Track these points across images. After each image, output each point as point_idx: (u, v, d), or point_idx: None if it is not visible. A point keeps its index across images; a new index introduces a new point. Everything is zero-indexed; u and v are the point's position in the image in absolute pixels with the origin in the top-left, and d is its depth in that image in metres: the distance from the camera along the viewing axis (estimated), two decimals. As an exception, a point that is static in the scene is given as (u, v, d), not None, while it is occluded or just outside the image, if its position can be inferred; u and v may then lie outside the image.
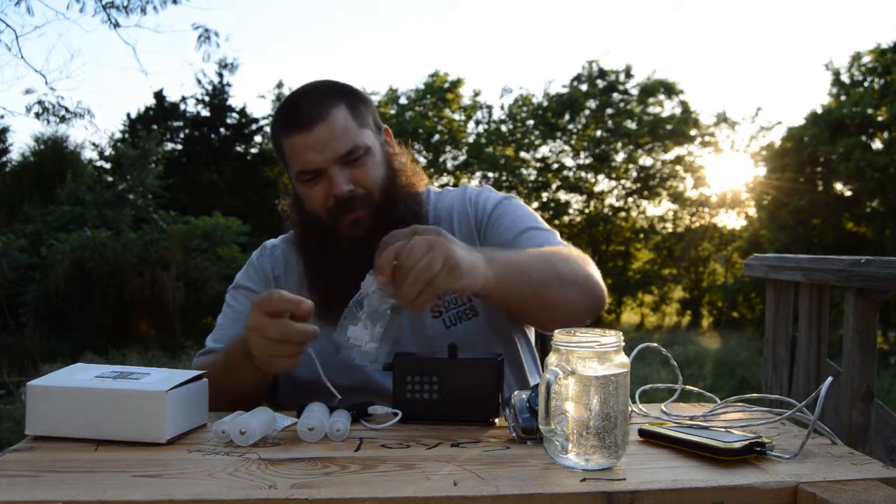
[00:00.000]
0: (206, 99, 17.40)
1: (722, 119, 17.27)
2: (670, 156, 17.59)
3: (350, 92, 1.42)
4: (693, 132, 17.23)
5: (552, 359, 0.89)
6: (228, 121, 17.51)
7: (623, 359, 0.89)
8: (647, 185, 17.59)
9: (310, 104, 1.36)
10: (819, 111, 12.92)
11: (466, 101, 18.93)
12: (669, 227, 18.00)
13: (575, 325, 0.97)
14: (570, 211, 18.00)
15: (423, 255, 1.07)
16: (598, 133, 17.51)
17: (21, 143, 32.22)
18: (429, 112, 18.68)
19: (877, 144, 12.16)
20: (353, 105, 1.39)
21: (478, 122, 19.01)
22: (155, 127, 14.75)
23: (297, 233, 1.49)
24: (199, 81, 17.30)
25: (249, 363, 1.23)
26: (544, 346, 1.62)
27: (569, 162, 18.07)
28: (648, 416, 1.14)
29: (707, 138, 17.40)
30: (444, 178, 18.05)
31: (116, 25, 7.60)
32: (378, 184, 1.39)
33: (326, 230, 1.39)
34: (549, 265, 1.29)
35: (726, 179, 23.43)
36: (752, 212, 15.80)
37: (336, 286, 1.34)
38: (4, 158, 17.17)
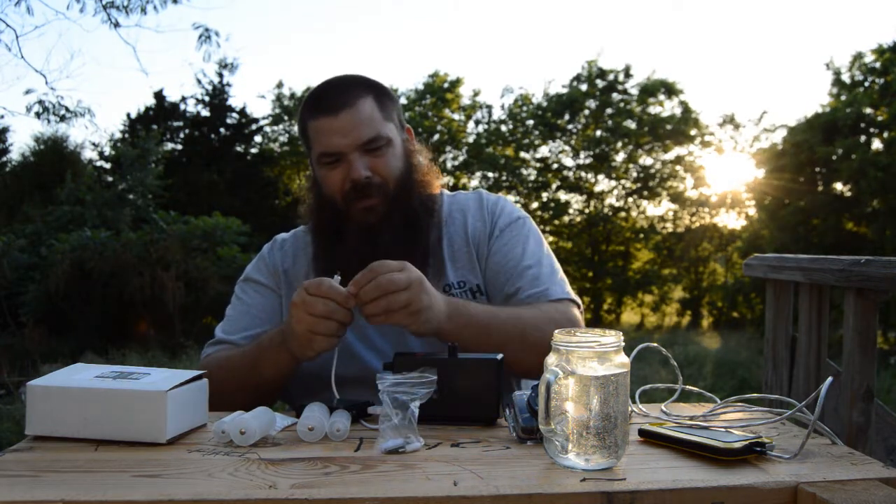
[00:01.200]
0: (206, 99, 17.41)
1: (729, 120, 17.30)
2: (670, 156, 17.61)
3: (379, 87, 1.47)
4: (693, 132, 17.24)
5: (552, 359, 0.89)
6: (228, 121, 17.52)
7: (623, 359, 0.89)
8: (647, 185, 17.60)
9: (339, 91, 1.41)
10: (816, 113, 12.93)
11: (466, 101, 18.95)
12: (669, 227, 18.01)
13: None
14: (570, 211, 18.01)
15: (396, 289, 1.15)
16: (598, 133, 17.52)
17: (21, 143, 32.25)
18: (429, 112, 18.69)
19: (876, 144, 12.17)
20: (380, 99, 1.44)
21: (477, 122, 19.03)
22: (155, 127, 14.74)
23: (312, 217, 1.52)
24: (199, 81, 17.32)
25: (282, 354, 1.27)
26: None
27: (569, 162, 18.10)
28: (648, 416, 1.14)
29: (707, 138, 17.42)
30: (444, 178, 17.95)
31: (116, 25, 7.59)
32: (395, 175, 1.43)
33: (340, 215, 1.43)
34: (519, 328, 1.31)
35: (726, 179, 23.43)
36: (752, 212, 15.81)
37: (343, 273, 1.36)
38: (4, 158, 17.18)
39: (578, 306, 1.47)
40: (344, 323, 1.19)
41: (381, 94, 1.45)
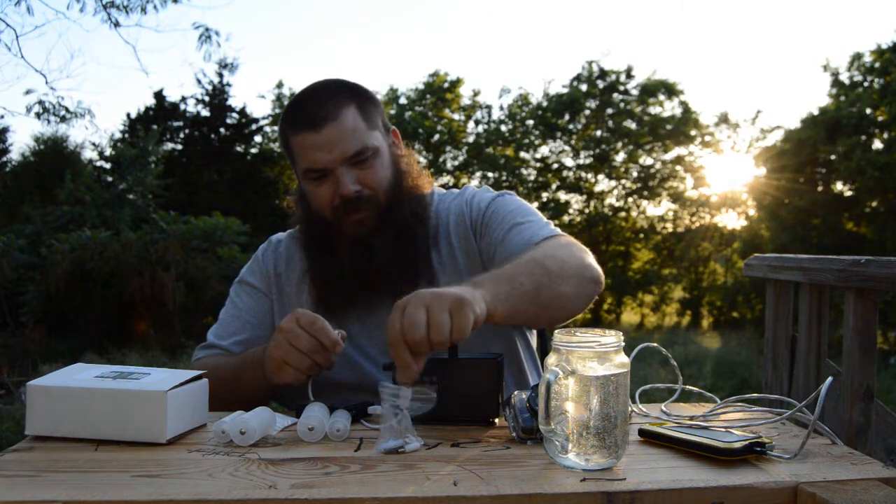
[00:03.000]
0: (206, 99, 17.41)
1: (723, 120, 17.29)
2: (670, 156, 17.60)
3: (360, 92, 1.42)
4: (693, 132, 17.24)
5: (552, 359, 0.89)
6: (228, 121, 17.52)
7: (623, 359, 0.89)
8: (647, 185, 17.59)
9: (320, 103, 1.37)
10: (815, 113, 12.93)
11: (466, 100, 18.95)
12: (669, 227, 18.00)
13: (578, 314, 1.02)
14: (570, 211, 18.01)
15: (426, 320, 1.01)
16: (598, 133, 17.52)
17: (21, 143, 32.26)
18: (429, 112, 18.69)
19: (876, 144, 12.18)
20: (362, 106, 1.40)
21: (477, 122, 19.03)
22: (154, 127, 14.74)
23: (301, 229, 1.50)
24: (199, 81, 17.32)
25: (259, 371, 1.25)
26: (544, 346, 1.61)
27: (569, 162, 18.09)
28: (648, 416, 1.14)
29: (707, 138, 17.42)
30: (444, 178, 18.06)
31: (117, 25, 7.57)
32: (384, 185, 1.40)
33: (331, 228, 1.40)
34: (538, 265, 1.24)
35: (726, 179, 23.41)
36: (753, 212, 15.82)
37: (337, 284, 1.35)
38: (4, 158, 17.19)
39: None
40: (320, 365, 1.17)
41: (363, 100, 1.41)
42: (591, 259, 1.35)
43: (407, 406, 0.97)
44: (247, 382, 1.31)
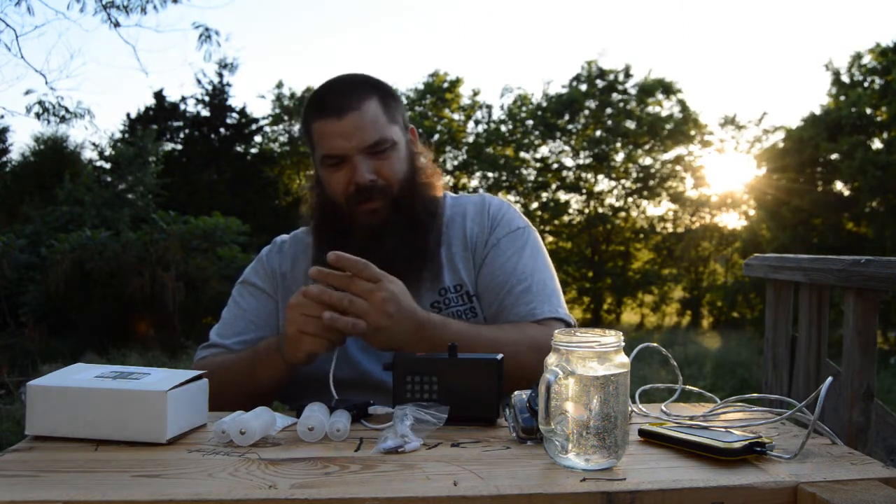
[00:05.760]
0: (206, 99, 17.41)
1: (730, 121, 17.30)
2: (670, 156, 17.61)
3: (383, 87, 1.46)
4: (693, 132, 17.24)
5: (552, 359, 0.89)
6: (228, 121, 17.52)
7: (623, 359, 0.89)
8: (647, 185, 17.60)
9: (344, 93, 1.40)
10: (817, 113, 12.93)
11: (466, 100, 18.95)
12: (669, 227, 18.01)
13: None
14: (570, 211, 18.01)
15: (364, 307, 1.17)
16: (598, 133, 17.52)
17: (21, 143, 32.27)
18: (428, 112, 18.69)
19: (877, 144, 12.17)
20: (384, 100, 1.43)
21: (477, 122, 19.03)
22: (154, 126, 14.73)
23: (314, 216, 1.51)
24: (199, 81, 17.33)
25: (276, 359, 1.27)
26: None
27: (568, 162, 18.09)
28: (648, 416, 1.14)
29: (707, 138, 17.42)
30: (444, 178, 18.00)
31: (117, 25, 7.57)
32: (399, 177, 1.42)
33: (343, 216, 1.42)
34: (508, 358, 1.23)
35: (726, 179, 23.40)
36: (753, 212, 15.82)
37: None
38: (4, 158, 17.19)
39: (568, 324, 1.42)
40: (335, 331, 1.18)
41: (385, 94, 1.44)
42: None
43: (413, 446, 0.97)
44: (263, 373, 1.32)
